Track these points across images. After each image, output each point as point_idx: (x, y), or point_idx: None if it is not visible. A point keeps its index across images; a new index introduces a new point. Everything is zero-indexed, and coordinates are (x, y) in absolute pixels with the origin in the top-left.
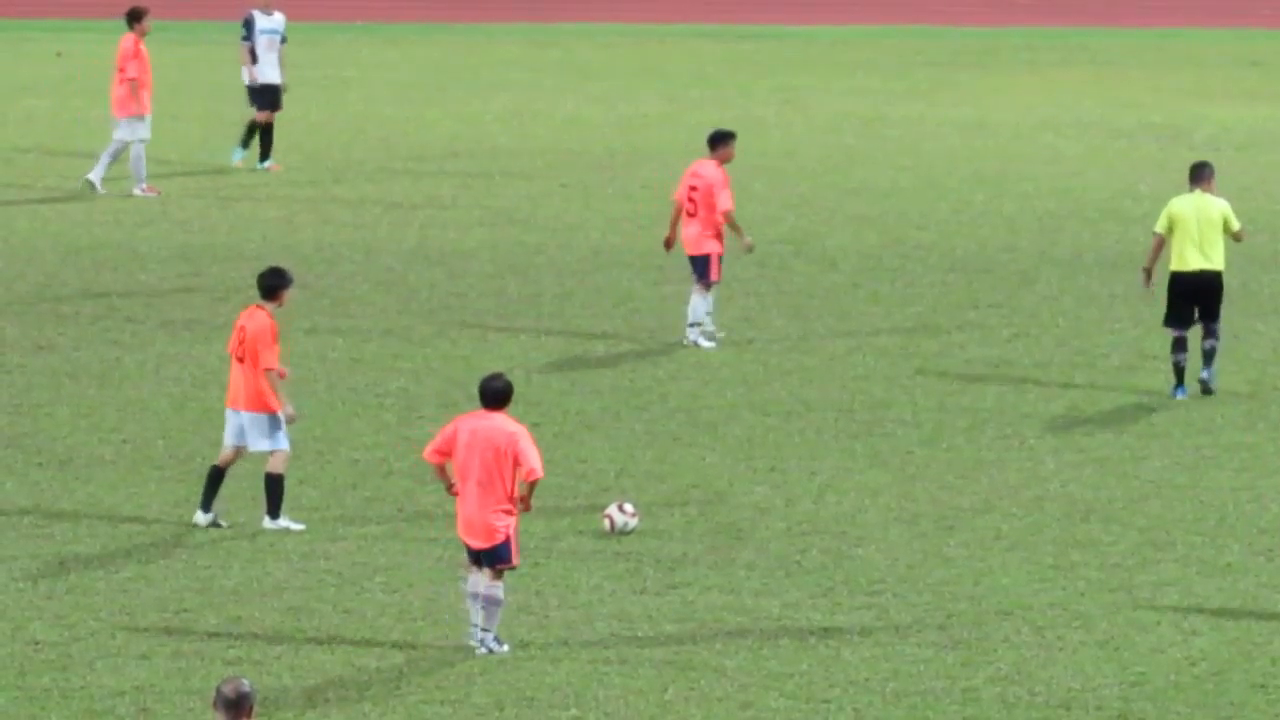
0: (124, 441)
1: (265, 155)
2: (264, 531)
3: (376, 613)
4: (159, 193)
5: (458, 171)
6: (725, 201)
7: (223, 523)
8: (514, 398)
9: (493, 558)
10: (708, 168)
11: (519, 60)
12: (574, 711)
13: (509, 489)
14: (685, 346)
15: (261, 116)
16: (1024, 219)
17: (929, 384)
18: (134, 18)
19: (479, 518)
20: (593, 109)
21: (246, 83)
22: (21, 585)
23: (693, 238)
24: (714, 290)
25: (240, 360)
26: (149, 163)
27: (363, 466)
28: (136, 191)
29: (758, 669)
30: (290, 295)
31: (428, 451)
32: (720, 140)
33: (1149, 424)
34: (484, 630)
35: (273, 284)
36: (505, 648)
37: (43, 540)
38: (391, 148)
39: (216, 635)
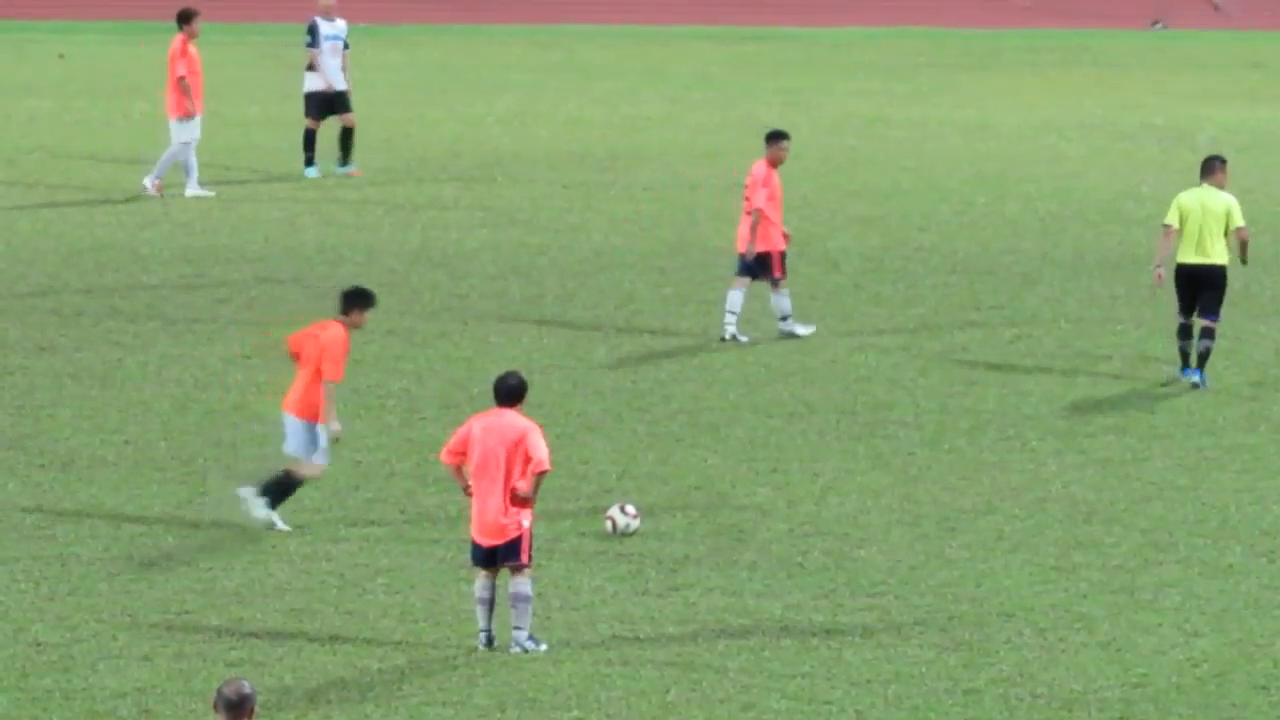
0: (126, 443)
1: (346, 160)
2: (266, 533)
3: (379, 614)
4: (162, 195)
5: (460, 173)
6: (758, 199)
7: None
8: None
9: (505, 554)
10: (757, 166)
11: (521, 62)
12: (576, 713)
13: (518, 483)
14: (780, 338)
15: (314, 124)
16: (1026, 220)
17: (931, 385)
18: (184, 19)
19: (493, 515)
20: (595, 110)
21: (318, 89)
22: (23, 586)
23: (746, 235)
24: (743, 291)
25: (304, 366)
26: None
27: (365, 468)
28: (146, 182)
29: (760, 670)
30: (365, 319)
31: (443, 453)
32: (768, 140)
33: (1151, 426)
34: (515, 629)
35: (346, 303)
36: (543, 647)
37: (44, 541)
38: (394, 149)
39: (218, 636)
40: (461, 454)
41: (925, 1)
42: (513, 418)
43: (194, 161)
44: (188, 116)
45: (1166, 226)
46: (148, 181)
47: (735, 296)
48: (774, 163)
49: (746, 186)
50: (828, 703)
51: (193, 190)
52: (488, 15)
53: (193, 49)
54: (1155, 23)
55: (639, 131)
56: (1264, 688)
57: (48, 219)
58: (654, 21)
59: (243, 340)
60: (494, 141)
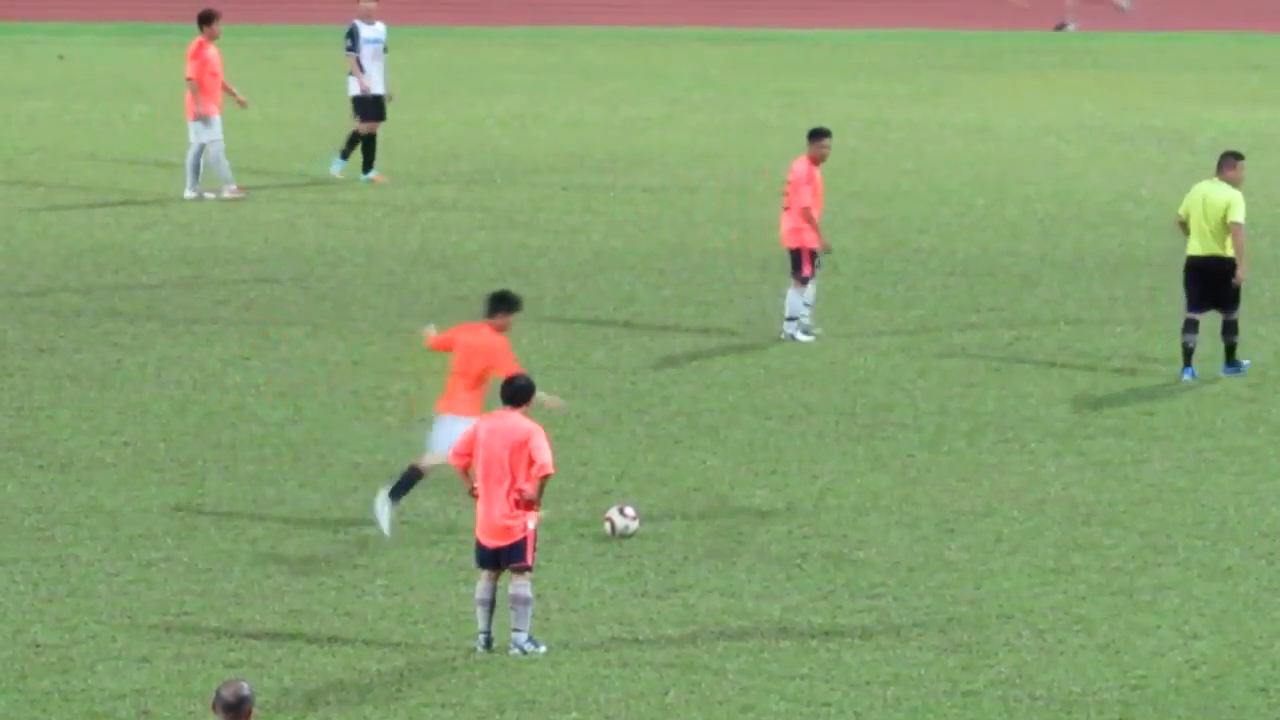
0: (125, 444)
1: (369, 166)
2: (264, 535)
3: (377, 615)
4: (245, 194)
5: (459, 174)
6: (804, 198)
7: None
8: None
9: (509, 556)
10: (798, 164)
11: (521, 63)
12: (575, 714)
13: (521, 486)
14: (781, 341)
15: (365, 128)
16: (1025, 222)
17: (930, 387)
18: (203, 21)
19: (498, 517)
20: (595, 112)
21: (355, 94)
22: (22, 588)
23: (786, 231)
24: (813, 284)
25: (461, 373)
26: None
27: (364, 469)
28: (226, 194)
29: (759, 671)
30: (510, 321)
31: (450, 455)
32: (810, 137)
33: (1150, 427)
34: (515, 630)
35: (491, 307)
36: (542, 648)
37: (44, 543)
38: (394, 151)
39: (217, 638)
40: (468, 455)
41: (925, 3)
42: (517, 420)
43: (201, 165)
44: (200, 119)
45: (1177, 217)
46: (225, 193)
47: (810, 291)
48: (816, 160)
49: (788, 184)
50: (826, 704)
51: (191, 193)
52: (488, 17)
53: (211, 51)
54: (1061, 25)
55: (639, 133)
56: (1263, 690)
57: (47, 220)
58: (654, 23)
59: (242, 341)
60: (494, 143)
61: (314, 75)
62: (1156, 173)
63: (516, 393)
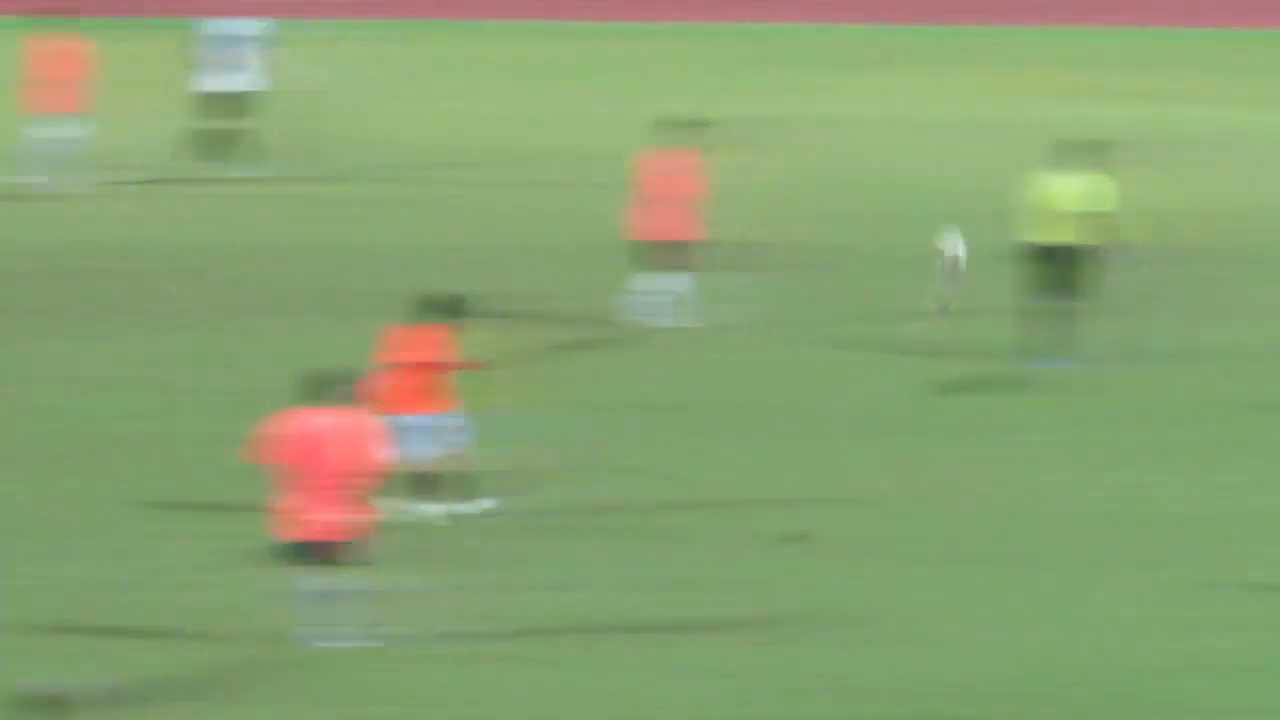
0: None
1: (230, 159)
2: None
3: (207, 608)
4: (95, 191)
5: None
6: (686, 189)
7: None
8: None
9: (337, 551)
10: (676, 156)
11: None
12: (395, 708)
13: (355, 481)
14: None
15: (244, 123)
16: (883, 217)
17: (798, 381)
18: (67, 15)
19: (330, 512)
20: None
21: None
22: None
23: (663, 225)
24: (690, 277)
25: None
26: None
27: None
28: (79, 189)
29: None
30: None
31: (261, 451)
32: (687, 129)
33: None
34: (340, 625)
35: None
36: (368, 644)
37: None
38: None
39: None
40: (296, 450)
41: None
42: (348, 415)
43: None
44: (77, 114)
45: (1042, 207)
46: (79, 187)
47: (685, 281)
48: (696, 153)
49: (663, 177)
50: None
51: (44, 181)
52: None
53: (82, 45)
54: None
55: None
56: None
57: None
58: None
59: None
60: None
61: (161, 70)
62: (1017, 168)
63: (332, 389)
